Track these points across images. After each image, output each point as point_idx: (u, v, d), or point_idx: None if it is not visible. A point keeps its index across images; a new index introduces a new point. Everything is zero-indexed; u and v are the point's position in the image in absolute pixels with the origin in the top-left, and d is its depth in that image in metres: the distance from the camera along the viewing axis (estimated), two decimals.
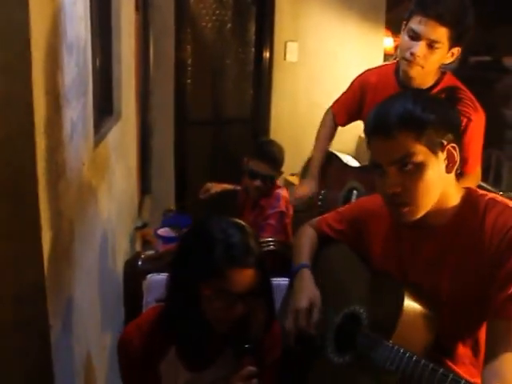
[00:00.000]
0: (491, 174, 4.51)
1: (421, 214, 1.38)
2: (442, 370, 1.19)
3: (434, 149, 1.34)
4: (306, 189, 2.64)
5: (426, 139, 1.32)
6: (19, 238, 1.23)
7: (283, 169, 3.05)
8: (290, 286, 1.69)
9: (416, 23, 2.06)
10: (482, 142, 2.24)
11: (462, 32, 2.06)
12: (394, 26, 4.87)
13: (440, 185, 1.38)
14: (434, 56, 2.09)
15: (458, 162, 1.38)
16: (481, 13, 2.09)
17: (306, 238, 1.76)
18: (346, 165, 2.65)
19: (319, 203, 2.67)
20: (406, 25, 2.13)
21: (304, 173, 2.79)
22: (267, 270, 1.46)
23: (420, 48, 2.06)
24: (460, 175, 2.17)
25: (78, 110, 1.68)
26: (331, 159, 2.71)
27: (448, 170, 1.38)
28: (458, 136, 1.40)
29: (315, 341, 1.54)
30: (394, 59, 3.70)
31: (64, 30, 1.49)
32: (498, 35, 4.45)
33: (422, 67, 2.11)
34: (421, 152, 1.33)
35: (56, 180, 1.40)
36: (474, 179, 2.26)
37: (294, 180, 4.72)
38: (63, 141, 1.48)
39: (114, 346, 1.52)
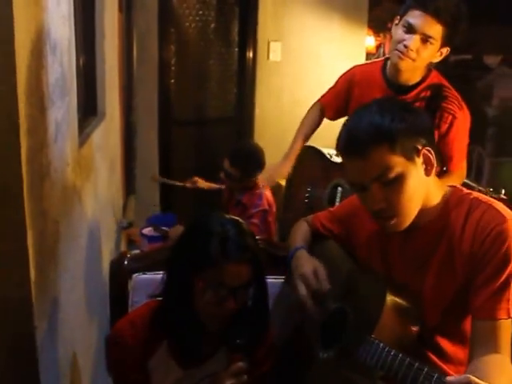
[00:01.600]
0: (473, 171, 4.56)
1: (409, 222, 1.39)
2: (417, 364, 1.20)
3: (411, 155, 1.33)
4: (279, 170, 2.64)
5: (401, 148, 1.32)
6: (4, 239, 1.23)
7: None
8: (288, 272, 1.67)
9: (413, 17, 2.08)
10: (467, 140, 2.27)
11: (454, 34, 2.10)
12: (375, 25, 4.90)
13: (422, 189, 1.38)
14: (426, 52, 2.12)
15: (435, 165, 1.38)
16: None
17: (301, 231, 1.77)
18: (330, 162, 2.66)
19: (305, 201, 2.69)
20: (399, 19, 2.15)
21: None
22: (263, 272, 1.48)
23: (414, 41, 2.09)
24: (445, 172, 2.21)
25: (62, 111, 1.68)
26: (316, 157, 2.71)
27: (427, 173, 1.38)
28: (431, 139, 1.40)
29: (330, 299, 1.52)
30: (376, 58, 3.73)
31: (48, 30, 1.49)
32: (479, 34, 4.50)
33: (413, 60, 2.13)
34: (398, 163, 1.32)
35: (40, 180, 1.40)
36: (458, 176, 2.28)
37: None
38: (48, 141, 1.48)
39: (99, 346, 1.52)
